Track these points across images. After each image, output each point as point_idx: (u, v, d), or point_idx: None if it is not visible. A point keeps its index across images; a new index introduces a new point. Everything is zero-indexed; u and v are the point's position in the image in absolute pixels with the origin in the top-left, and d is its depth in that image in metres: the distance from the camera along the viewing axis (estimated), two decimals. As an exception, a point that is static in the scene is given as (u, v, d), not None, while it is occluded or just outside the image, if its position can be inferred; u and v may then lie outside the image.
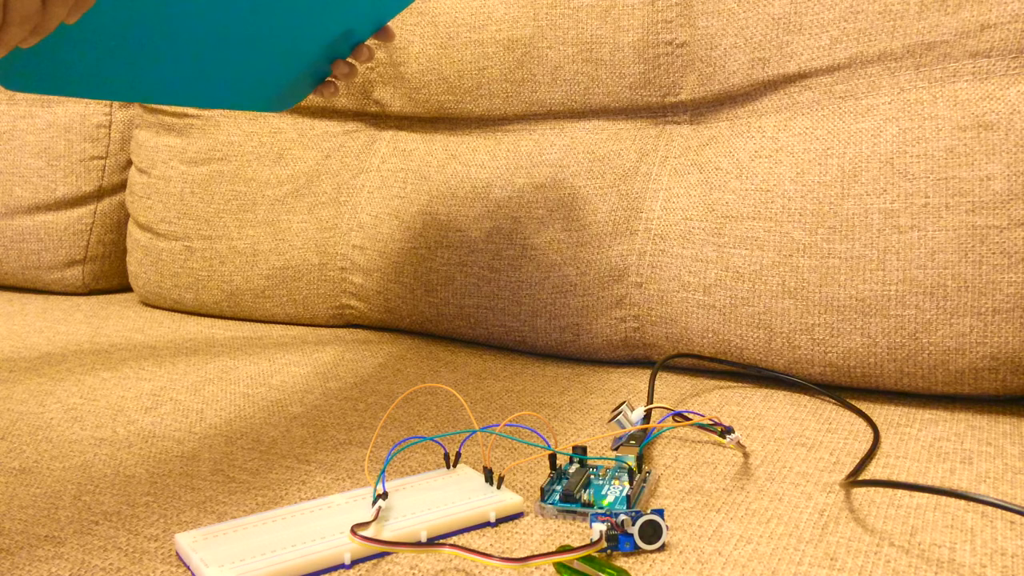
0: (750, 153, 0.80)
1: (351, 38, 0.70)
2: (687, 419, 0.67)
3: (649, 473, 0.56)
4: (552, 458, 0.56)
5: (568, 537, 0.49)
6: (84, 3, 0.45)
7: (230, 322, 1.07)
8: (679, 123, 0.89)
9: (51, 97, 1.23)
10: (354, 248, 1.01)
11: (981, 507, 0.51)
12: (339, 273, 1.02)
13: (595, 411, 0.71)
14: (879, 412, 0.69)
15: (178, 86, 0.64)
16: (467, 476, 0.56)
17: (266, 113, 1.01)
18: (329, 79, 0.77)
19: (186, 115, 1.13)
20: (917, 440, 0.63)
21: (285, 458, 0.62)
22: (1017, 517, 0.50)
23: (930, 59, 0.73)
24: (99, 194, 1.25)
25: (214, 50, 0.62)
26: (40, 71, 0.52)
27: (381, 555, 0.47)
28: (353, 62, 0.74)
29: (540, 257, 0.88)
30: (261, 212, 1.06)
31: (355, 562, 0.47)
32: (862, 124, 0.74)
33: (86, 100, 1.23)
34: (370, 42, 0.72)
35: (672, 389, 0.77)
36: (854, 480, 0.53)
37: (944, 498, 0.53)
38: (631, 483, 0.53)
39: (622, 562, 0.46)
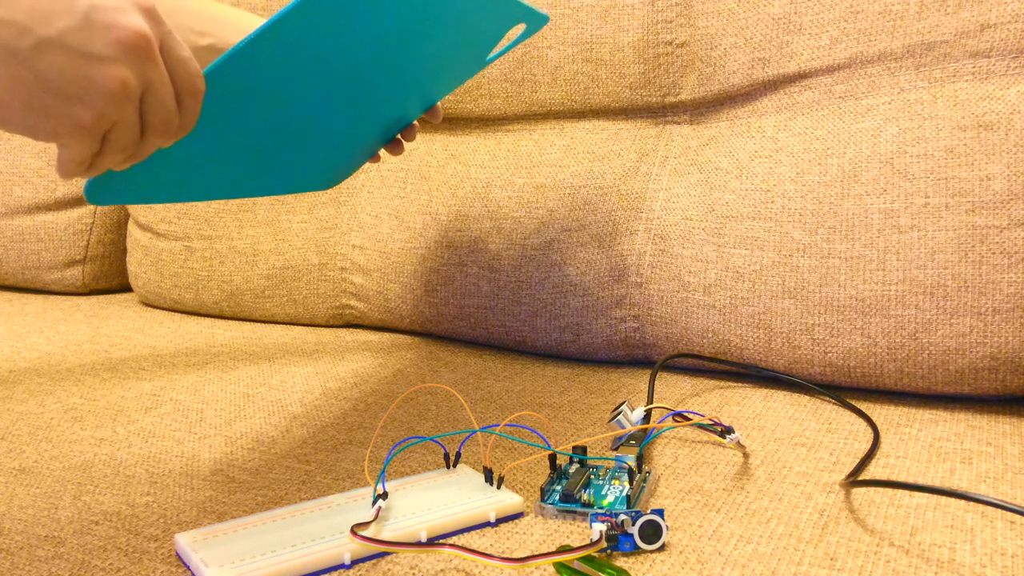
0: (750, 153, 0.80)
1: (403, 120, 0.73)
2: (687, 419, 0.67)
3: (649, 473, 0.56)
4: (552, 458, 0.56)
5: (568, 537, 0.49)
6: (181, 132, 0.46)
7: (230, 322, 1.07)
8: (679, 123, 0.89)
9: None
10: (354, 248, 1.01)
11: (981, 507, 0.51)
12: (339, 273, 1.02)
13: (595, 411, 0.71)
14: (879, 412, 0.69)
15: (248, 182, 0.68)
16: (467, 476, 0.56)
17: None
18: (377, 153, 0.80)
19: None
20: (917, 440, 0.63)
21: (285, 458, 0.62)
22: (1017, 517, 0.50)
23: (930, 59, 0.73)
24: (99, 194, 1.25)
25: (289, 149, 0.65)
26: (124, 186, 0.55)
27: (381, 555, 0.47)
28: (401, 139, 0.76)
29: (540, 257, 0.88)
30: (261, 212, 1.06)
31: (355, 562, 0.47)
32: (862, 124, 0.74)
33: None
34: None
35: (672, 389, 0.77)
36: (854, 480, 0.53)
37: (944, 498, 0.53)
38: (631, 483, 0.53)
39: (622, 562, 0.46)
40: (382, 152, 0.78)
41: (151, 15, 0.43)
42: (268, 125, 0.59)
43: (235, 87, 0.51)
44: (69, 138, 0.42)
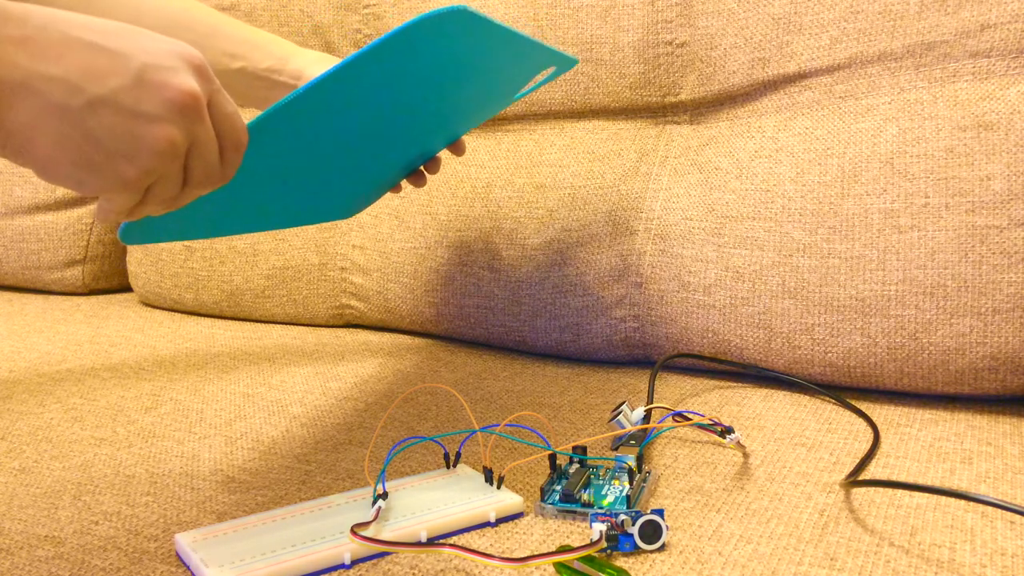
0: (750, 153, 0.80)
1: (427, 154, 0.74)
2: (687, 419, 0.67)
3: (649, 473, 0.56)
4: (552, 458, 0.56)
5: (568, 537, 0.49)
6: (222, 183, 0.46)
7: (230, 322, 1.07)
8: (679, 123, 0.89)
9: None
10: (354, 248, 1.01)
11: (981, 507, 0.51)
12: (339, 273, 1.02)
13: (595, 411, 0.71)
14: (879, 412, 0.69)
15: (275, 216, 0.69)
16: (467, 476, 0.56)
17: None
18: (399, 184, 0.80)
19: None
20: (917, 440, 0.63)
21: (285, 458, 0.62)
22: (1017, 517, 0.50)
23: (930, 59, 0.73)
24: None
25: (317, 185, 0.67)
26: (159, 227, 0.56)
27: (381, 555, 0.47)
28: (424, 171, 0.77)
29: (540, 257, 0.88)
30: (261, 212, 1.06)
31: (355, 562, 0.47)
32: (862, 124, 0.74)
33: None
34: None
35: (672, 389, 0.77)
36: (854, 480, 0.53)
37: (944, 498, 0.53)
38: (631, 483, 0.53)
39: (622, 562, 0.46)
40: (404, 183, 0.79)
41: (201, 72, 0.43)
42: (299, 166, 0.60)
43: (273, 136, 0.52)
44: (113, 192, 0.42)
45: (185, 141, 0.42)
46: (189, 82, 0.42)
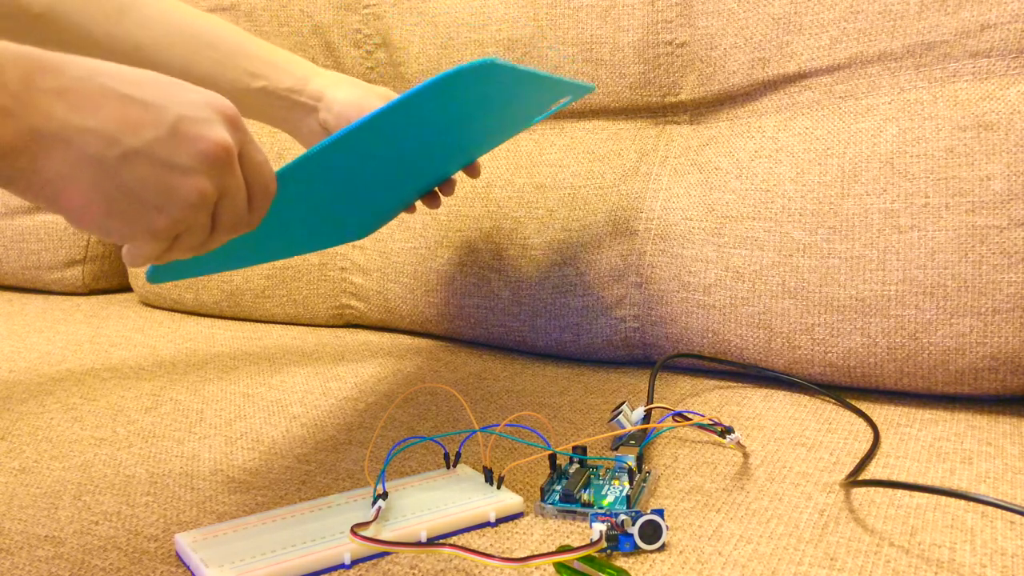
0: (750, 153, 0.80)
1: (443, 177, 0.75)
2: (687, 419, 0.67)
3: (649, 473, 0.56)
4: (552, 458, 0.56)
5: (568, 537, 0.49)
6: (249, 229, 0.47)
7: (230, 322, 1.07)
8: (679, 123, 0.89)
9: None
10: (354, 248, 1.01)
11: (981, 507, 0.51)
12: (339, 273, 1.02)
13: (595, 411, 0.71)
14: (879, 412, 0.69)
15: (295, 245, 0.70)
16: (467, 476, 0.56)
17: None
18: (413, 204, 0.81)
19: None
20: (917, 440, 0.63)
21: (285, 458, 0.62)
22: (1017, 517, 0.50)
23: (930, 59, 0.73)
24: (99, 194, 1.25)
25: (336, 215, 0.68)
26: (184, 266, 0.57)
27: (381, 555, 0.47)
28: (439, 192, 0.77)
29: (540, 257, 0.88)
30: (261, 212, 1.06)
31: (355, 562, 0.47)
32: (862, 124, 0.74)
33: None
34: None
35: (672, 389, 0.77)
36: (854, 480, 0.53)
37: (944, 498, 0.53)
38: (631, 483, 0.53)
39: (622, 562, 0.46)
40: (418, 203, 0.80)
41: (234, 123, 0.43)
42: (322, 201, 0.61)
43: (300, 180, 0.52)
44: (143, 241, 0.42)
45: (216, 192, 0.42)
46: (222, 134, 0.42)
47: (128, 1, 0.65)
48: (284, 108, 0.70)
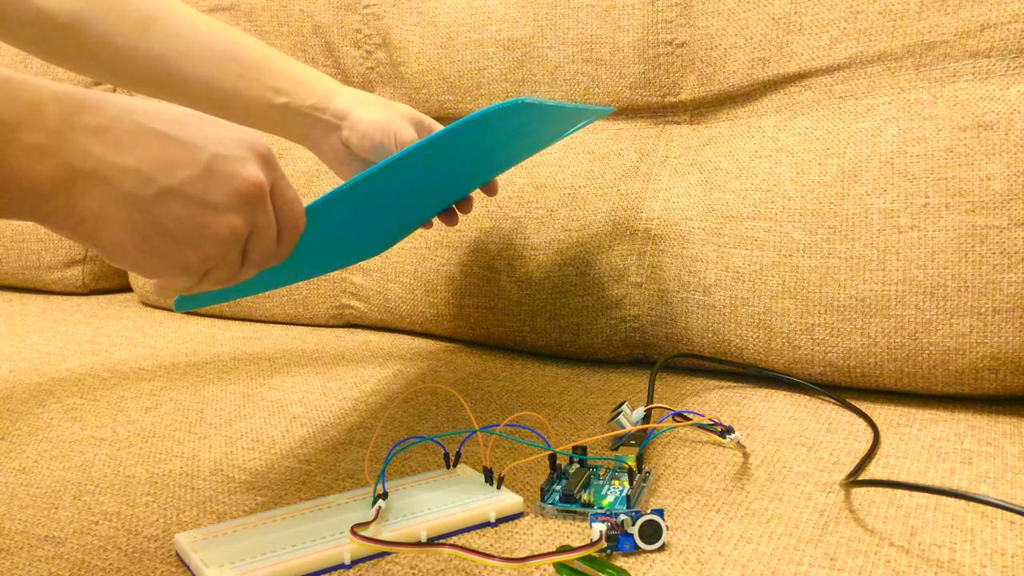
0: (750, 153, 0.80)
1: (461, 195, 0.76)
2: (687, 419, 0.67)
3: (649, 473, 0.56)
4: (552, 458, 0.56)
5: (568, 537, 0.49)
6: (277, 263, 0.47)
7: (230, 322, 1.07)
8: (679, 123, 0.89)
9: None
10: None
11: (981, 507, 0.51)
12: (339, 273, 1.02)
13: (595, 411, 0.71)
14: (879, 412, 0.69)
15: (316, 268, 0.71)
16: (467, 476, 0.56)
17: None
18: (431, 220, 0.81)
19: (186, 115, 1.13)
20: (917, 440, 0.63)
21: (285, 458, 0.62)
22: (1017, 517, 0.50)
23: (930, 59, 0.73)
24: (99, 194, 1.25)
25: (358, 238, 0.68)
26: (211, 294, 0.58)
27: (381, 555, 0.47)
28: (456, 210, 0.78)
29: (540, 257, 0.88)
30: (261, 212, 1.06)
31: (355, 562, 0.47)
32: (862, 124, 0.74)
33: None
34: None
35: (672, 389, 0.77)
36: (854, 480, 0.53)
37: (944, 498, 0.53)
38: (631, 483, 0.53)
39: (622, 562, 0.46)
40: (435, 220, 0.81)
41: (267, 160, 0.44)
42: (346, 227, 0.61)
43: (328, 213, 0.53)
44: (175, 276, 0.43)
45: (247, 228, 0.43)
46: (256, 172, 0.43)
47: (155, 14, 0.65)
48: (306, 125, 0.70)
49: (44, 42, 0.64)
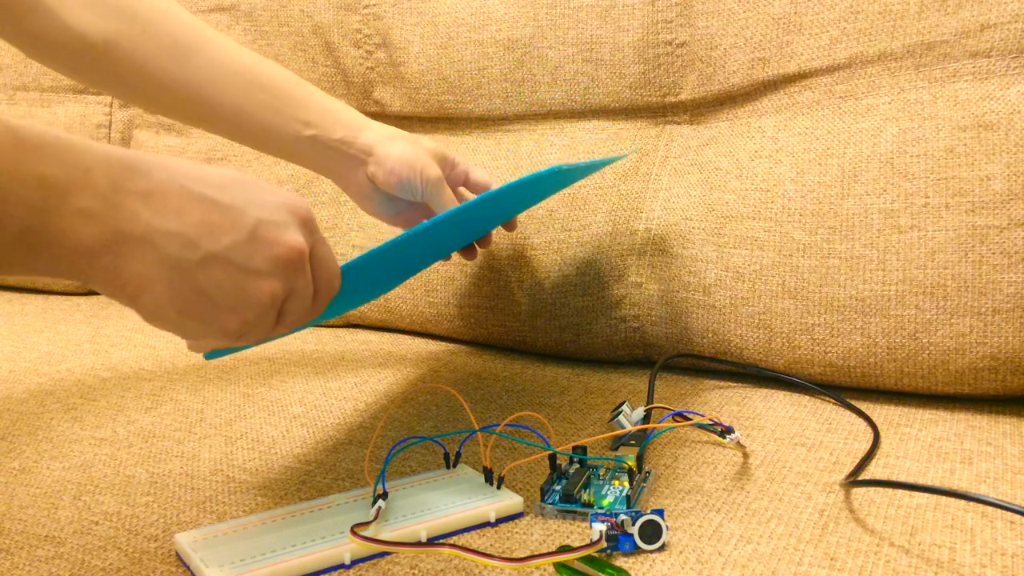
0: (750, 153, 0.80)
1: (484, 233, 0.77)
2: (687, 419, 0.67)
3: (649, 473, 0.56)
4: (552, 458, 0.56)
5: (568, 537, 0.49)
6: (310, 320, 0.48)
7: (230, 322, 1.07)
8: (679, 123, 0.89)
9: (52, 96, 1.23)
10: (354, 248, 1.01)
11: (981, 507, 0.51)
12: (339, 273, 1.02)
13: (595, 411, 0.71)
14: (879, 412, 0.69)
15: (339, 308, 0.72)
16: (467, 476, 0.56)
17: None
18: (450, 255, 0.82)
19: (186, 115, 1.13)
20: (917, 440, 0.63)
21: (285, 458, 0.62)
22: (1017, 517, 0.50)
23: (930, 59, 0.73)
24: (99, 194, 1.25)
25: (385, 281, 0.69)
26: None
27: (381, 555, 0.47)
28: (476, 245, 0.78)
29: (540, 257, 0.88)
30: (261, 212, 1.06)
31: (355, 562, 0.47)
32: (862, 124, 0.74)
33: (86, 99, 1.23)
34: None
35: (672, 389, 0.77)
36: (854, 480, 0.53)
37: (944, 498, 0.53)
38: (631, 483, 0.53)
39: (622, 562, 0.46)
40: (455, 255, 0.81)
41: (308, 225, 0.44)
42: (374, 276, 0.62)
43: (361, 271, 0.54)
44: (212, 338, 0.43)
45: (286, 293, 0.43)
46: (297, 238, 0.43)
47: (188, 40, 0.65)
48: (333, 159, 0.70)
49: (77, 63, 0.64)
